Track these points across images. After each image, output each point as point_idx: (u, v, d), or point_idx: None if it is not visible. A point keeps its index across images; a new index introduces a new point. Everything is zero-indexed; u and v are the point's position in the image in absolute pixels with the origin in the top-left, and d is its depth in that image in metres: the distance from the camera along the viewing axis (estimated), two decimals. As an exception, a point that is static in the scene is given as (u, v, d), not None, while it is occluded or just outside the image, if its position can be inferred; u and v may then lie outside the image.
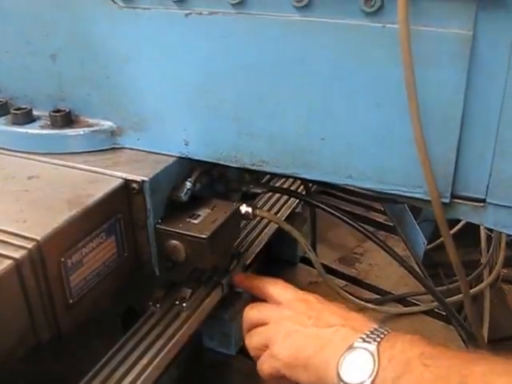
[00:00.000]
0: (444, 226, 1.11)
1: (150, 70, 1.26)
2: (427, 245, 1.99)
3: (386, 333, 0.95)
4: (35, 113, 1.42)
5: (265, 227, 1.64)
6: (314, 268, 1.65)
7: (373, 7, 1.01)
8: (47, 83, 1.41)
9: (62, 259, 1.08)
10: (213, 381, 1.56)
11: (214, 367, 1.57)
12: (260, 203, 1.72)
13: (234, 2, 1.11)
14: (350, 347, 0.92)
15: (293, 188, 1.78)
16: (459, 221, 2.09)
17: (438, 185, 1.07)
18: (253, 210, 1.37)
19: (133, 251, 1.27)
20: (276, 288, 1.20)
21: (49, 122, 1.38)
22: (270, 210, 1.72)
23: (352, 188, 1.28)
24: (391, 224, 2.10)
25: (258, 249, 1.57)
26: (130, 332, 1.28)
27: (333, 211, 1.42)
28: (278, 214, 1.72)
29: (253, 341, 1.17)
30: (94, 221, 1.15)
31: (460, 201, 1.12)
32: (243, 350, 1.55)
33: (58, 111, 1.37)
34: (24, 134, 1.37)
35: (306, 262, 1.93)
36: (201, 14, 1.15)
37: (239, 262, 1.46)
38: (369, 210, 2.22)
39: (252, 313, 1.18)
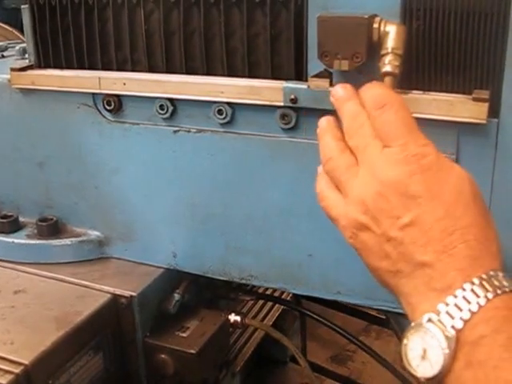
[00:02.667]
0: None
1: (138, 182, 1.32)
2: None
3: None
4: (22, 219, 1.48)
5: (254, 332, 1.68)
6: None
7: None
8: (34, 190, 1.46)
9: (50, 381, 1.11)
10: None
11: None
12: (249, 304, 1.76)
13: (222, 122, 1.18)
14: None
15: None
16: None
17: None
18: (242, 319, 1.41)
19: (121, 365, 1.30)
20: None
21: (36, 231, 1.43)
22: (259, 311, 1.76)
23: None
24: (384, 317, 2.13)
25: (248, 355, 1.60)
26: None
27: (317, 317, 1.47)
28: (268, 316, 1.76)
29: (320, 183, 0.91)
30: (82, 339, 1.19)
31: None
32: None
33: (44, 220, 1.43)
34: (10, 243, 1.42)
35: (297, 361, 1.96)
36: (189, 131, 1.22)
37: (228, 370, 1.49)
38: (360, 303, 2.26)
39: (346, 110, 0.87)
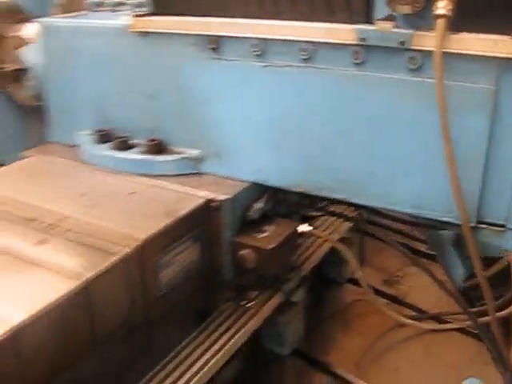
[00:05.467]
0: (472, 247, 1.31)
1: (231, 109, 1.52)
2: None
3: None
4: (133, 141, 1.69)
5: (318, 247, 1.85)
6: (360, 287, 1.86)
7: (415, 65, 1.24)
8: (144, 117, 1.68)
9: (157, 258, 1.33)
10: (267, 377, 1.78)
11: (270, 365, 1.78)
12: (317, 224, 1.93)
13: (304, 58, 1.36)
14: None
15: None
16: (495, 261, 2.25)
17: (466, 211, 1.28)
18: (310, 230, 1.59)
19: (211, 258, 1.51)
20: None
21: (145, 149, 1.64)
22: (324, 231, 1.93)
23: (394, 213, 1.50)
24: (432, 253, 2.27)
25: (313, 265, 1.78)
26: (202, 325, 1.50)
27: (382, 237, 1.65)
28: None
29: None
30: (184, 229, 1.40)
31: (484, 226, 1.33)
32: (296, 351, 1.77)
33: (152, 140, 1.63)
34: (124, 158, 1.63)
35: (353, 282, 2.13)
36: (276, 66, 1.41)
37: (296, 273, 1.68)
38: (411, 240, 2.40)
39: None
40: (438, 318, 1.99)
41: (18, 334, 1.06)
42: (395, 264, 2.29)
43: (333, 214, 1.88)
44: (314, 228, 1.65)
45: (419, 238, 2.40)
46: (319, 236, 1.70)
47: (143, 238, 1.28)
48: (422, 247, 2.37)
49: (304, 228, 1.59)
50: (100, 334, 1.25)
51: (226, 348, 1.44)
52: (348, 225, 1.96)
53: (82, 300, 1.18)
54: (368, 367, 1.82)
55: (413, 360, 1.85)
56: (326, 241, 1.82)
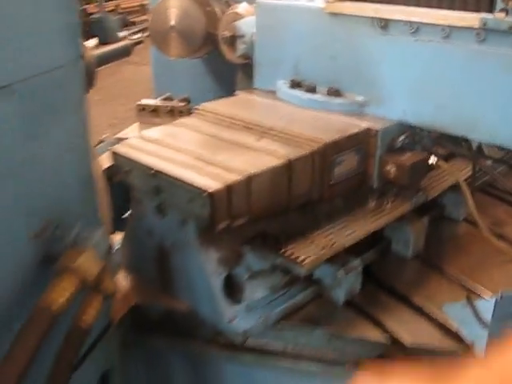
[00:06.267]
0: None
1: (390, 69, 2.21)
2: None
3: None
4: (318, 88, 2.42)
5: (444, 180, 2.48)
6: (474, 226, 2.49)
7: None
8: (326, 72, 2.41)
9: (333, 157, 2.06)
10: (392, 271, 2.45)
11: (394, 264, 2.46)
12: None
13: (443, 36, 2.04)
14: None
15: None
16: None
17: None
18: (437, 162, 2.26)
19: (365, 168, 2.21)
20: None
21: (326, 94, 2.37)
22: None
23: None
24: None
25: (436, 193, 2.44)
26: (351, 213, 2.23)
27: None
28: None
29: None
30: (350, 143, 2.11)
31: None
32: (418, 255, 2.44)
33: (331, 88, 2.36)
34: (311, 98, 2.38)
35: (468, 222, 2.75)
36: (423, 40, 2.09)
37: (423, 193, 2.35)
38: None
39: None
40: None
41: (249, 179, 1.81)
42: (507, 217, 2.86)
43: (461, 156, 2.50)
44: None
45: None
46: (445, 169, 2.36)
47: (325, 141, 2.01)
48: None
49: (434, 159, 2.25)
50: (292, 198, 1.99)
51: (365, 228, 2.15)
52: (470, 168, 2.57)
53: (284, 171, 1.92)
54: (469, 274, 2.44)
55: (505, 271, 2.44)
56: (450, 177, 2.45)
